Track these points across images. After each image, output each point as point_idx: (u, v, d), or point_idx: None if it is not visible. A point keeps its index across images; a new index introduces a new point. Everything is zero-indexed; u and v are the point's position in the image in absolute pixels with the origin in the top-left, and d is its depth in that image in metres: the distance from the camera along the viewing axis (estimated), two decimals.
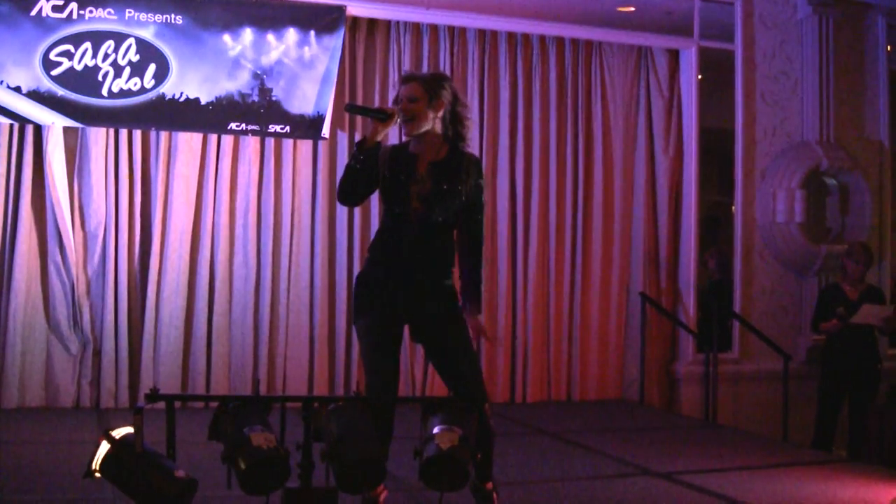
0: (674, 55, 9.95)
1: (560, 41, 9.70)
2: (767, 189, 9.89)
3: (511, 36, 9.53)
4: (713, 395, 9.24)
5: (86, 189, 8.38)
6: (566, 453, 7.38)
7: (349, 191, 5.15)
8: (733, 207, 9.96)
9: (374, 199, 8.85)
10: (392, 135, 6.18)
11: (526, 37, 9.59)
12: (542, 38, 9.63)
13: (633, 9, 9.51)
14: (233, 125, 8.47)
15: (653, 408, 9.60)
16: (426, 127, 5.09)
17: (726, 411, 9.48)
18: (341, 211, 8.91)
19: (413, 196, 5.06)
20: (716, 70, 9.96)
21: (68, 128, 8.28)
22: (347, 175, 5.11)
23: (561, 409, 9.30)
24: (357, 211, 8.96)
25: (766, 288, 9.95)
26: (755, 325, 9.63)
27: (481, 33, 9.44)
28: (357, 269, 8.90)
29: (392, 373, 5.04)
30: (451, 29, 9.34)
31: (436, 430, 4.38)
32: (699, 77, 9.80)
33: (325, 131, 8.67)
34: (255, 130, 8.50)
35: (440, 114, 5.09)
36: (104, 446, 4.21)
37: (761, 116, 9.97)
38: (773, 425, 9.38)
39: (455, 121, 5.16)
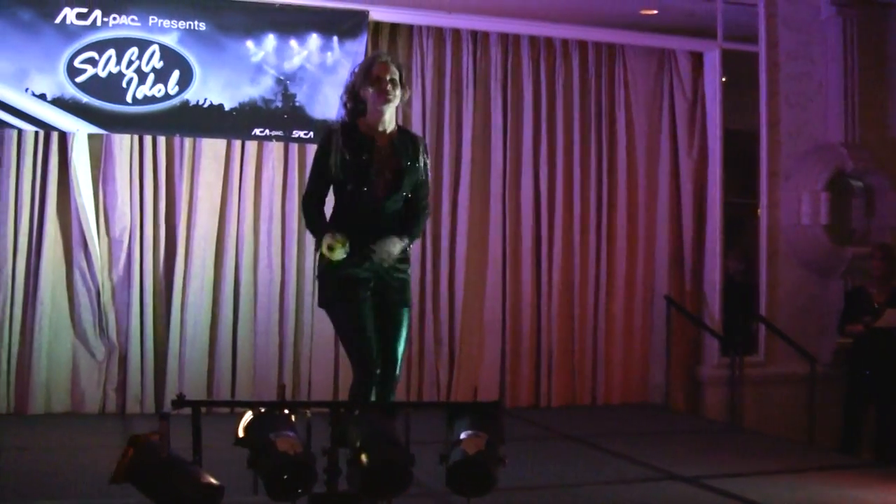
0: (697, 57, 9.91)
1: (583, 44, 9.68)
2: (792, 191, 9.83)
3: (533, 40, 9.52)
4: (738, 399, 9.19)
5: (111, 195, 8.41)
6: (591, 457, 7.36)
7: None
8: (758, 210, 9.91)
9: None
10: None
11: (548, 40, 9.57)
12: (565, 42, 9.62)
13: (655, 11, 9.49)
14: (256, 131, 8.49)
15: (677, 412, 9.56)
16: (393, 103, 5.42)
17: (752, 415, 9.43)
18: None
19: (377, 172, 5.33)
20: (739, 72, 9.91)
21: (93, 134, 8.31)
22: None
23: (585, 413, 9.28)
24: None
25: (792, 290, 9.89)
26: (780, 328, 9.58)
27: (503, 37, 9.44)
28: None
29: (377, 352, 5.41)
30: (474, 33, 9.34)
31: (462, 434, 4.38)
32: (722, 79, 9.75)
33: None
34: (278, 136, 8.51)
35: (402, 92, 5.43)
36: (130, 452, 4.22)
37: (785, 118, 9.92)
38: (798, 429, 9.32)
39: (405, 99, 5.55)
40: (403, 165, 5.38)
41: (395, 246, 5.30)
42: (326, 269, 5.41)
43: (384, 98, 5.36)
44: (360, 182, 5.32)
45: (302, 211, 5.62)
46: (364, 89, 5.41)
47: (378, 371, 5.38)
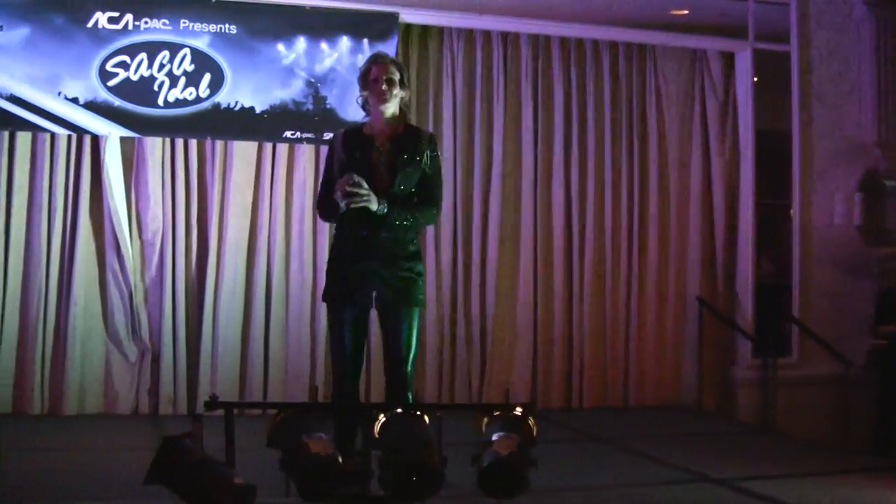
0: (728, 58, 9.86)
1: (613, 45, 9.65)
2: (825, 191, 9.78)
3: (564, 41, 9.50)
4: (771, 401, 9.14)
5: (143, 198, 8.46)
6: (622, 459, 7.34)
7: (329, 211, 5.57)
8: (791, 211, 9.84)
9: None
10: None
11: (579, 41, 9.55)
12: (595, 43, 9.59)
13: (686, 11, 9.45)
14: (287, 133, 8.52)
15: (709, 413, 9.51)
16: (393, 103, 5.50)
17: (784, 417, 9.36)
18: None
19: (374, 172, 5.40)
20: (771, 72, 9.86)
21: (125, 138, 8.36)
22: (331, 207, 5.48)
23: (617, 414, 9.24)
24: None
25: (824, 292, 9.81)
26: (813, 329, 9.52)
27: (534, 38, 9.42)
28: None
29: (362, 357, 5.60)
30: (504, 35, 9.33)
31: (494, 436, 4.37)
32: (754, 79, 9.70)
33: None
34: (309, 138, 8.53)
35: (403, 91, 5.51)
36: (164, 453, 4.23)
37: (818, 118, 9.86)
38: (831, 431, 9.27)
39: (405, 103, 5.62)
40: (398, 162, 5.44)
41: (369, 199, 5.28)
42: (329, 263, 5.64)
43: (380, 99, 5.48)
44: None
45: (318, 214, 5.86)
46: (363, 91, 5.56)
47: (357, 378, 5.56)
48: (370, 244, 5.40)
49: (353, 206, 5.26)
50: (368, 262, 5.41)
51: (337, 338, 5.54)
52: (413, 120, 8.89)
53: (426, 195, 5.55)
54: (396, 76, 5.48)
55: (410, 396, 5.52)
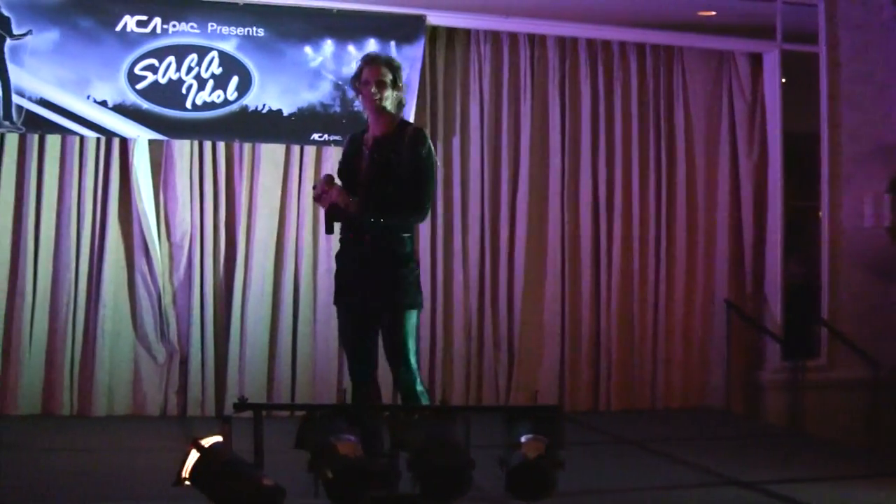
0: (756, 59, 9.82)
1: (640, 47, 9.63)
2: (854, 193, 9.72)
3: (591, 43, 9.48)
4: (799, 403, 9.10)
5: (171, 201, 8.50)
6: (649, 462, 7.33)
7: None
8: (819, 212, 9.79)
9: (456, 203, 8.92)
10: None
11: (606, 43, 9.53)
12: (623, 45, 9.57)
13: (713, 13, 9.41)
14: (315, 136, 8.54)
15: (738, 416, 9.47)
16: (386, 109, 5.46)
17: (813, 419, 9.32)
18: None
19: (361, 171, 5.45)
20: (799, 73, 9.81)
21: (153, 141, 8.39)
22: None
23: (644, 417, 9.21)
24: (439, 216, 8.98)
25: (854, 294, 9.75)
26: (842, 332, 9.47)
27: (561, 41, 9.41)
28: (441, 277, 8.96)
29: (369, 357, 5.60)
30: (531, 37, 9.32)
31: (521, 438, 4.37)
32: (782, 80, 9.66)
33: None
34: (336, 140, 8.54)
35: (396, 95, 5.48)
36: (193, 454, 4.26)
37: (846, 119, 9.80)
38: (860, 434, 9.21)
39: (399, 100, 5.56)
40: (374, 162, 5.42)
41: (341, 200, 5.34)
42: (335, 258, 5.69)
43: (370, 104, 5.48)
44: (347, 184, 5.48)
45: None
46: (357, 96, 5.62)
47: (366, 377, 5.62)
48: (357, 248, 5.46)
49: (323, 206, 5.39)
50: (355, 265, 5.48)
51: (342, 341, 5.75)
52: (440, 123, 9.00)
53: (406, 196, 5.44)
54: (388, 77, 5.44)
55: (421, 394, 5.48)
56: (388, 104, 5.47)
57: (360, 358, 5.59)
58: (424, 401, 5.47)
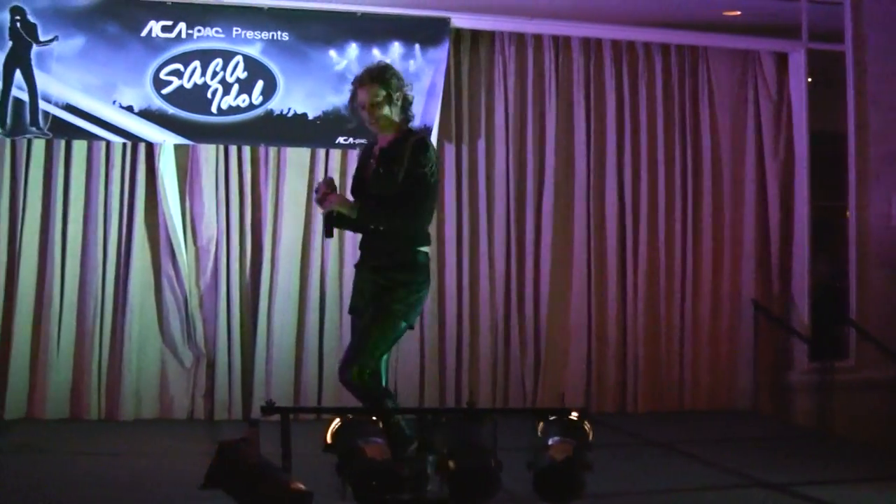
0: (782, 58, 9.76)
1: (665, 47, 9.60)
2: (881, 192, 9.66)
3: (616, 44, 9.46)
4: (828, 405, 9.05)
5: (197, 205, 8.53)
6: (677, 464, 7.30)
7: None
8: (847, 212, 9.74)
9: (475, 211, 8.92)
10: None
11: (630, 44, 9.51)
12: (647, 45, 9.54)
13: (738, 13, 9.38)
14: (340, 139, 8.55)
15: (765, 417, 9.42)
16: (388, 121, 5.47)
17: (841, 421, 9.25)
18: (449, 221, 8.94)
19: (362, 180, 5.54)
20: (825, 72, 9.77)
21: (179, 145, 8.43)
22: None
23: (671, 418, 9.17)
24: (465, 219, 8.99)
25: (882, 293, 9.68)
26: (871, 332, 9.41)
27: (585, 42, 9.39)
28: (467, 279, 8.96)
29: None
30: (556, 38, 9.31)
31: (549, 441, 4.37)
32: (808, 80, 9.61)
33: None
34: (362, 144, 8.54)
35: (398, 103, 5.47)
36: (220, 457, 4.27)
37: (873, 118, 9.73)
38: (889, 435, 9.14)
39: (405, 104, 5.54)
40: (376, 174, 5.45)
41: (340, 203, 5.42)
42: None
43: (369, 124, 5.55)
44: (354, 194, 5.60)
45: None
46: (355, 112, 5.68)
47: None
48: (363, 252, 5.56)
49: (324, 209, 5.48)
50: (360, 270, 5.57)
51: None
52: (465, 125, 9.01)
53: (398, 204, 5.41)
54: (382, 95, 5.42)
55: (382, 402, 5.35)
56: (387, 121, 5.48)
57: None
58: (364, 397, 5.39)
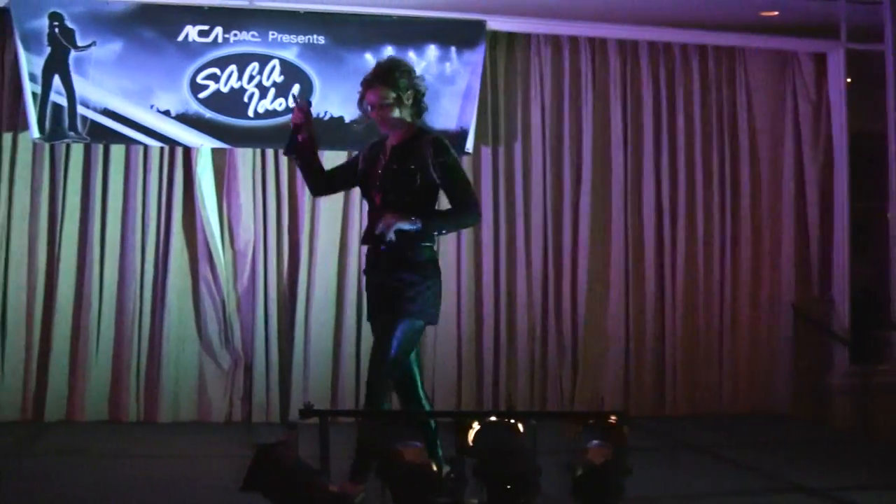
0: (820, 59, 9.69)
1: (702, 49, 9.55)
2: None
3: (652, 45, 9.42)
4: (868, 408, 8.96)
5: (234, 208, 8.57)
6: (715, 468, 7.25)
7: (307, 183, 5.86)
8: (888, 213, 9.64)
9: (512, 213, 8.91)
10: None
11: (667, 45, 9.47)
12: (684, 47, 9.50)
13: (776, 13, 9.30)
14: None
15: (805, 421, 9.34)
16: (399, 121, 5.35)
17: (882, 425, 9.15)
18: (486, 224, 8.92)
19: (373, 177, 5.39)
20: (865, 72, 9.68)
21: (216, 149, 8.48)
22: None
23: (710, 422, 9.11)
24: (502, 222, 8.98)
25: None
26: None
27: (622, 44, 9.36)
28: (504, 282, 8.96)
29: (402, 370, 5.37)
30: (592, 40, 9.29)
31: (588, 445, 4.34)
32: (847, 80, 9.53)
33: (469, 146, 8.69)
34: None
35: (408, 102, 5.34)
36: (258, 460, 4.27)
37: None
38: None
39: (417, 99, 5.41)
40: (390, 170, 5.34)
41: (399, 220, 5.18)
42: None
43: (380, 125, 5.43)
44: (364, 192, 5.54)
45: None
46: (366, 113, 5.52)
47: (410, 400, 5.51)
48: (374, 259, 5.43)
49: (388, 235, 5.19)
50: (375, 278, 5.44)
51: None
52: (502, 128, 9.01)
53: (455, 202, 5.35)
54: (391, 97, 5.28)
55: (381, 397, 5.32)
56: (398, 122, 5.36)
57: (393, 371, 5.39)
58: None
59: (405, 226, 5.18)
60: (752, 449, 7.89)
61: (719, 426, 8.97)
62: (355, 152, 8.54)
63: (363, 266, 5.59)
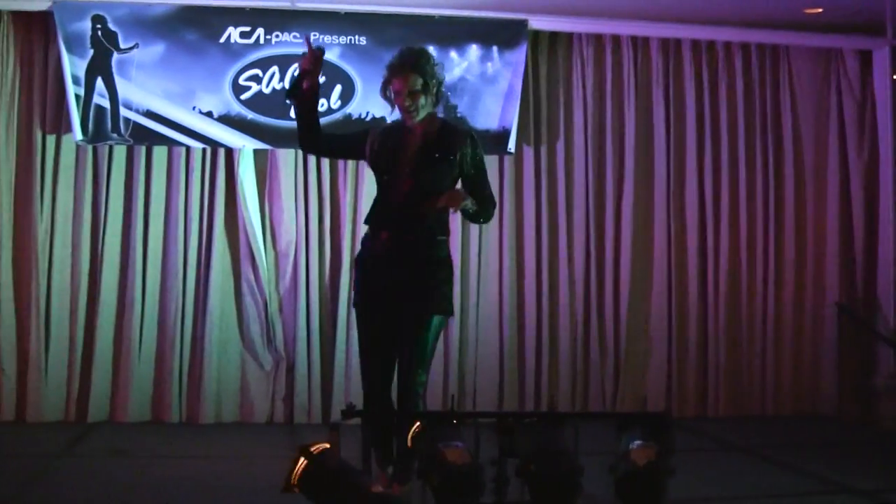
0: (865, 56, 9.58)
1: (745, 47, 9.47)
2: None
3: (695, 43, 9.36)
4: None
5: (276, 209, 8.59)
6: (760, 469, 7.21)
7: (299, 134, 5.59)
8: None
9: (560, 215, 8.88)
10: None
11: (710, 44, 9.40)
12: (727, 45, 9.43)
13: (820, 10, 9.21)
14: None
15: (850, 423, 9.25)
16: (423, 109, 5.31)
17: None
18: (528, 224, 8.91)
19: (403, 162, 5.27)
20: None
21: (258, 150, 8.50)
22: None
23: (754, 423, 9.04)
24: (544, 222, 8.95)
25: None
26: None
27: (664, 42, 9.30)
28: (546, 283, 8.91)
29: (385, 373, 5.41)
30: (634, 39, 9.23)
31: (632, 445, 4.32)
32: (893, 77, 9.42)
33: (511, 146, 8.67)
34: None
35: (434, 90, 5.33)
36: (301, 461, 4.27)
37: None
38: None
39: (439, 89, 5.41)
40: (425, 160, 5.28)
41: (466, 197, 5.27)
42: (356, 261, 5.59)
43: (406, 115, 5.35)
44: (384, 171, 5.38)
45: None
46: (387, 101, 5.45)
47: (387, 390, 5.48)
48: (392, 249, 5.37)
49: (455, 209, 5.27)
50: (389, 269, 5.37)
51: (364, 351, 5.63)
52: (544, 127, 8.99)
53: (480, 195, 5.37)
54: (419, 84, 5.26)
55: (417, 397, 5.33)
56: (424, 111, 5.34)
57: (385, 370, 5.46)
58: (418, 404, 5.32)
59: (469, 205, 5.25)
60: (797, 450, 7.83)
61: (763, 427, 8.91)
62: None
63: (359, 252, 5.57)
